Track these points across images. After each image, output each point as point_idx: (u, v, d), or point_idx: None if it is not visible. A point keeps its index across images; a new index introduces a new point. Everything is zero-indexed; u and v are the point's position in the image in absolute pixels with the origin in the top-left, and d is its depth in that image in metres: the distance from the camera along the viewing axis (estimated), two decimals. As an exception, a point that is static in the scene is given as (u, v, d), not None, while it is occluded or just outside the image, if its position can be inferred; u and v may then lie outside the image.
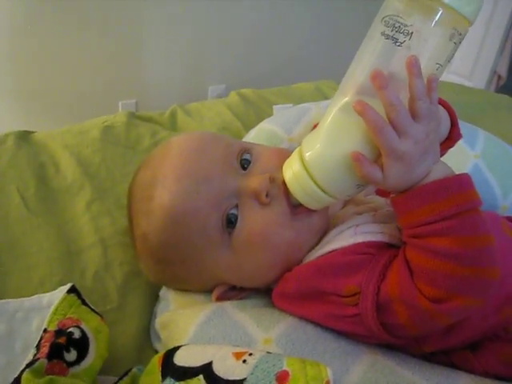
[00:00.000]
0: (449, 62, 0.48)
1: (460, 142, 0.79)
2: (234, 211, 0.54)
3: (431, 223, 0.46)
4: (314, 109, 0.85)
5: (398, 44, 0.45)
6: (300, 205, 0.54)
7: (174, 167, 0.55)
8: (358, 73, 0.49)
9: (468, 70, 2.84)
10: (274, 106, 0.96)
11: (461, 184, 0.47)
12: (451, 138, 0.59)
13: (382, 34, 0.46)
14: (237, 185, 0.55)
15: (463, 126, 0.65)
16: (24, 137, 0.86)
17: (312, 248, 0.56)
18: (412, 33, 0.45)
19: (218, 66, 2.37)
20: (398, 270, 0.48)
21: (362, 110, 0.46)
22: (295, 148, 0.54)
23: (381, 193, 0.61)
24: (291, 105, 0.96)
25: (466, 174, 0.48)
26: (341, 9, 2.50)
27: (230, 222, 0.54)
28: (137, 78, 2.20)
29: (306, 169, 0.50)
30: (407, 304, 0.47)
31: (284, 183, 0.54)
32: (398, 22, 0.45)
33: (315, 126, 0.54)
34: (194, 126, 1.00)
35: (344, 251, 0.53)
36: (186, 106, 1.09)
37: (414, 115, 0.46)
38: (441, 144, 0.55)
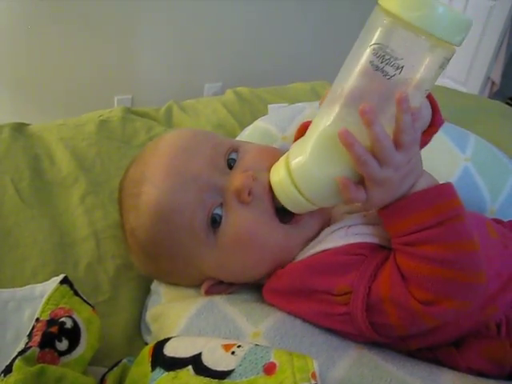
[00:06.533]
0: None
1: (451, 145, 0.81)
2: (218, 211, 0.55)
3: (416, 232, 0.48)
4: (308, 109, 0.86)
5: (387, 77, 0.44)
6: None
7: (162, 165, 0.56)
8: (346, 88, 0.47)
9: (463, 75, 2.87)
10: (269, 105, 0.96)
11: (441, 194, 0.49)
12: (434, 125, 0.59)
13: (372, 63, 0.45)
14: (221, 183, 0.56)
15: (455, 129, 0.65)
16: (19, 129, 0.86)
17: (304, 246, 0.57)
18: (403, 67, 0.44)
19: (214, 64, 2.37)
20: (390, 272, 0.49)
21: (345, 142, 0.46)
22: (288, 148, 0.55)
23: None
24: (286, 104, 0.96)
25: (449, 183, 0.50)
26: (338, 10, 2.51)
27: (215, 222, 0.55)
28: (133, 74, 2.20)
29: (290, 177, 0.51)
30: (398, 305, 0.48)
31: (269, 184, 0.55)
32: (388, 54, 0.44)
33: (304, 125, 0.54)
34: (190, 123, 1.00)
35: (336, 251, 0.54)
36: (182, 102, 1.09)
37: (397, 146, 0.47)
38: (424, 131, 0.57)
